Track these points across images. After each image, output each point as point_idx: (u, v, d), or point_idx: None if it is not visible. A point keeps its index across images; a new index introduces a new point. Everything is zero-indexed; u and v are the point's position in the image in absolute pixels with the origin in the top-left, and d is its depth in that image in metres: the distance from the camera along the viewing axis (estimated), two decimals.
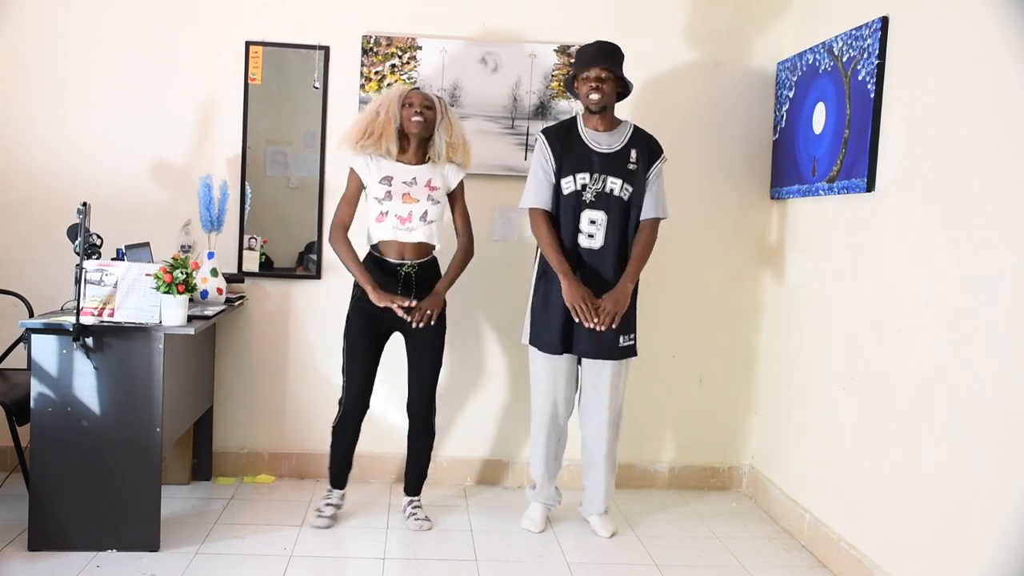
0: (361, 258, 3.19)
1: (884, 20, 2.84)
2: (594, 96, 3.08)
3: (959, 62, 2.50)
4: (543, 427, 3.26)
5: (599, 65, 3.07)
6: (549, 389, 3.22)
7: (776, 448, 3.65)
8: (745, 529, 3.44)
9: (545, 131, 3.22)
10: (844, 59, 3.08)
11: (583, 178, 3.13)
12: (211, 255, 3.44)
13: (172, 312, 2.86)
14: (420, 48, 3.66)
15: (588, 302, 3.04)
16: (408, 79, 3.65)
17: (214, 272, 3.41)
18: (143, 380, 2.88)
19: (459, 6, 3.70)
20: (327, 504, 3.29)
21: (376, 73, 3.65)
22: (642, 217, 3.17)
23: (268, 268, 3.74)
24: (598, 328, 3.06)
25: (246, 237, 3.70)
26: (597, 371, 3.20)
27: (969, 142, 2.43)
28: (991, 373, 2.30)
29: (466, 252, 3.26)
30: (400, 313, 3.04)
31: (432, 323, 3.13)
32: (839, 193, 3.09)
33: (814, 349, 3.33)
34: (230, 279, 3.57)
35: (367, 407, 3.25)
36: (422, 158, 3.21)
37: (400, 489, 3.49)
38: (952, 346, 2.47)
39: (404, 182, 3.16)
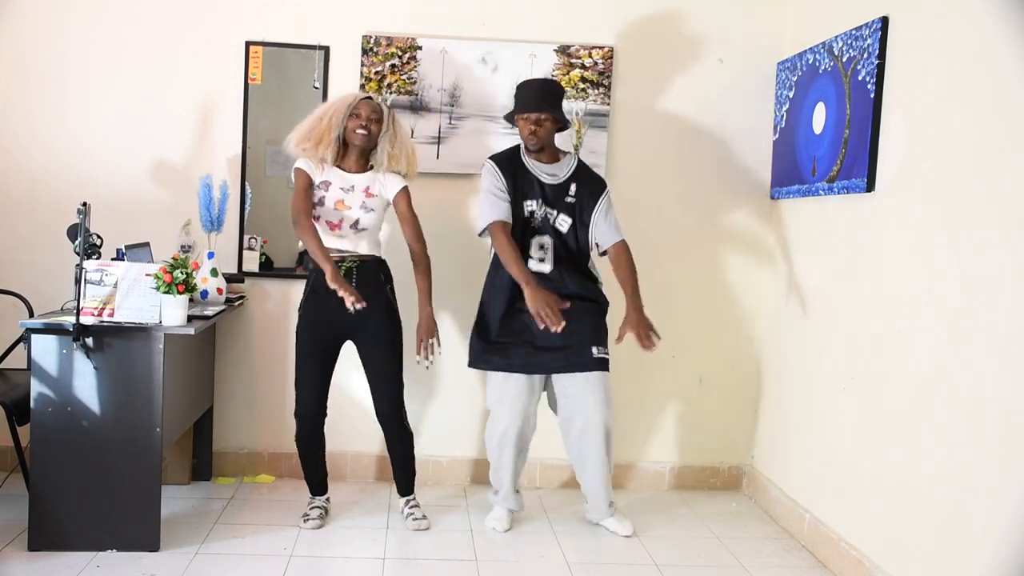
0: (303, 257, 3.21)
1: (884, 20, 2.84)
2: (532, 139, 3.18)
3: (959, 62, 2.50)
4: (510, 445, 3.25)
5: (538, 111, 3.14)
6: (516, 409, 3.20)
7: (776, 448, 3.65)
8: (745, 529, 3.44)
9: (493, 158, 3.26)
10: (844, 59, 3.08)
11: (531, 205, 3.20)
12: (211, 255, 3.45)
13: (172, 312, 2.86)
14: (420, 48, 3.66)
15: (554, 305, 3.03)
16: (408, 79, 3.65)
17: (214, 272, 3.41)
18: (143, 380, 2.88)
19: (459, 6, 3.70)
20: (313, 508, 3.29)
21: (376, 73, 3.65)
22: (608, 243, 3.21)
23: (268, 268, 3.74)
24: (646, 347, 3.10)
25: (246, 237, 3.70)
26: (579, 387, 3.17)
27: (969, 142, 2.43)
28: (991, 373, 2.30)
29: (425, 263, 3.22)
30: (348, 305, 2.93)
31: (431, 356, 3.16)
32: (839, 193, 3.09)
33: (814, 349, 3.33)
34: (230, 279, 3.58)
35: (323, 415, 3.24)
36: (364, 166, 3.21)
37: None
38: (952, 346, 2.47)
39: (342, 188, 3.15)
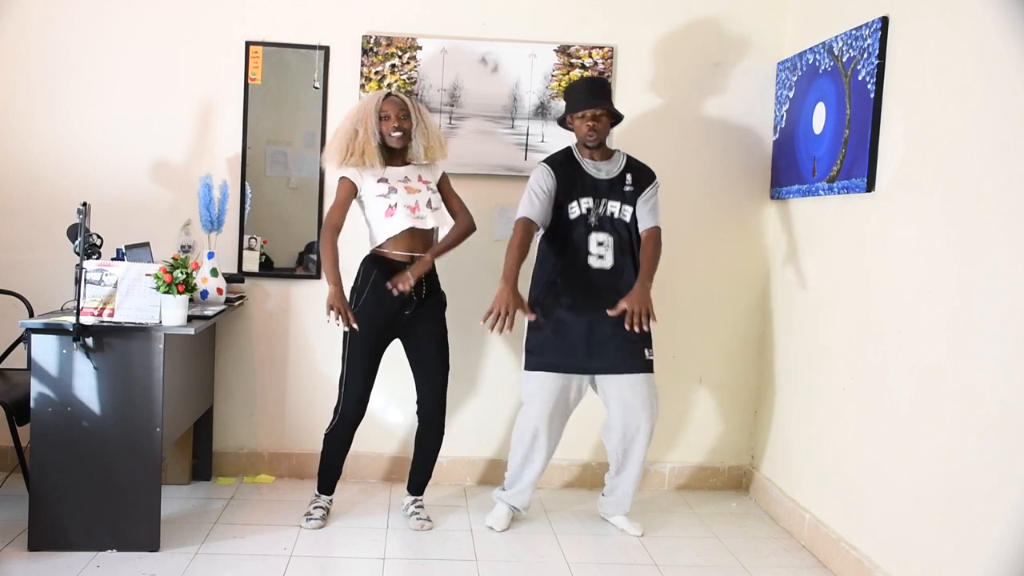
0: (360, 260, 3.22)
1: (884, 20, 2.84)
2: (592, 135, 3.20)
3: (959, 62, 2.50)
4: (543, 449, 3.25)
5: (594, 107, 3.17)
6: (545, 402, 3.20)
7: (776, 448, 3.65)
8: (745, 529, 3.44)
9: (547, 160, 3.28)
10: (844, 59, 3.08)
11: (587, 203, 3.21)
12: (211, 255, 3.45)
13: (172, 312, 2.86)
14: (420, 48, 3.66)
15: (511, 310, 3.00)
16: (408, 79, 3.65)
17: (214, 272, 3.41)
18: (143, 380, 2.88)
19: (459, 6, 3.70)
20: (316, 507, 3.29)
21: (376, 73, 3.65)
22: (643, 227, 3.24)
23: (268, 268, 3.74)
24: (629, 326, 3.02)
25: (246, 237, 3.70)
26: (630, 386, 3.18)
27: (969, 142, 2.43)
28: (990, 373, 2.30)
29: (466, 225, 3.27)
30: (340, 324, 2.99)
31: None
32: (839, 193, 3.09)
33: (814, 349, 3.33)
34: (230, 279, 3.58)
35: (363, 416, 3.24)
36: (404, 160, 3.24)
37: (400, 488, 3.49)
38: (952, 346, 2.47)
39: (400, 180, 3.18)
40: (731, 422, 3.89)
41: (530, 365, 3.23)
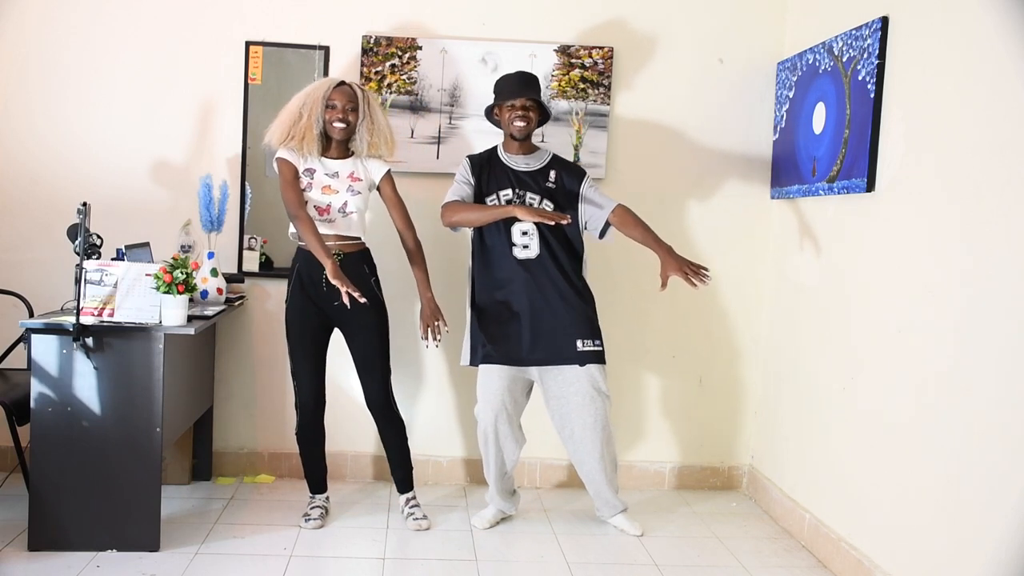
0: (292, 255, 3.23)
1: (884, 20, 2.84)
2: (520, 124, 3.20)
3: (959, 62, 2.50)
4: (492, 444, 3.25)
5: (524, 96, 3.19)
6: (494, 405, 3.20)
7: (776, 448, 3.65)
8: (745, 529, 3.44)
9: (469, 156, 3.33)
10: (844, 59, 3.08)
11: (506, 194, 3.22)
12: (211, 255, 3.45)
13: (172, 312, 2.86)
14: (420, 48, 3.66)
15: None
16: (408, 79, 3.65)
17: (214, 272, 3.41)
18: (143, 380, 2.88)
19: (459, 6, 3.70)
20: (313, 507, 3.30)
21: (376, 73, 3.65)
22: (608, 213, 3.21)
23: (268, 268, 3.74)
24: (700, 281, 3.07)
25: (246, 237, 3.70)
26: (564, 385, 3.18)
27: (969, 142, 2.43)
28: (990, 373, 2.30)
29: (417, 249, 3.27)
30: (346, 300, 2.93)
31: (438, 336, 3.21)
32: (839, 193, 3.09)
33: (814, 349, 3.33)
34: (230, 279, 3.58)
35: (323, 404, 3.26)
36: (345, 152, 3.22)
37: None
38: (951, 346, 2.47)
39: (326, 175, 3.17)
40: (731, 422, 3.89)
41: (475, 360, 3.23)
